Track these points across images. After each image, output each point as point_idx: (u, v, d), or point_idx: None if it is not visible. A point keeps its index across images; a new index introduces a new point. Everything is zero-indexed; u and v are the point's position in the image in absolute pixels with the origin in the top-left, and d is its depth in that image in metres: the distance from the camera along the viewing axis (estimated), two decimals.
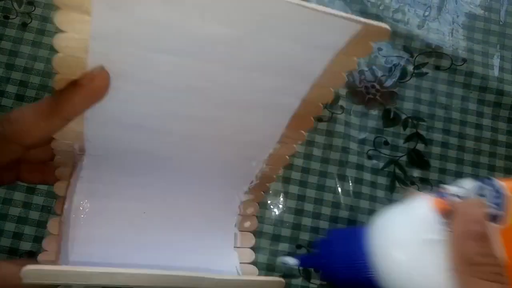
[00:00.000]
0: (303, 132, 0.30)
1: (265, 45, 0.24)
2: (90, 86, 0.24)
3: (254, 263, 0.34)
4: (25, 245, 0.46)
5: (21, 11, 0.53)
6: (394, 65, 0.55)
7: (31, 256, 0.47)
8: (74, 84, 0.24)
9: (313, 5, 0.22)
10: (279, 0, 0.22)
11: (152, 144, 0.30)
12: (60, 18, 0.22)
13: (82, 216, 0.31)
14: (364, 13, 0.56)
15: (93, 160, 0.30)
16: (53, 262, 0.27)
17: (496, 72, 0.56)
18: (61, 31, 0.22)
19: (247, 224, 0.34)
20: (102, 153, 0.30)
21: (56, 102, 0.24)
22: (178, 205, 0.33)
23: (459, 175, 0.53)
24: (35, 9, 0.53)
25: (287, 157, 0.32)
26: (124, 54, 0.24)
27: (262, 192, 0.34)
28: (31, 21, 0.52)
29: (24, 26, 0.52)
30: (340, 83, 0.26)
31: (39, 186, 0.47)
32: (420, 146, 0.53)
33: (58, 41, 0.23)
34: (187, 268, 0.31)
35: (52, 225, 0.29)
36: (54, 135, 0.27)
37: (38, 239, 0.46)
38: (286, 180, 0.51)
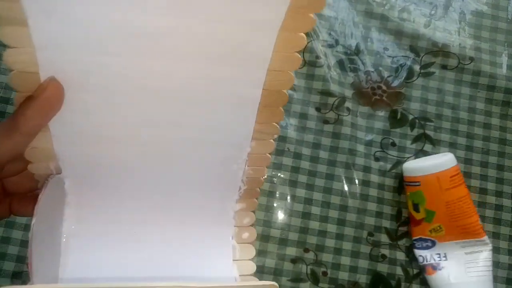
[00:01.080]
0: (275, 125, 0.29)
1: (209, 32, 0.24)
2: (42, 97, 0.24)
3: (255, 274, 0.34)
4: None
5: None
6: (400, 65, 0.55)
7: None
8: (28, 98, 0.24)
9: None
10: None
11: (126, 157, 0.29)
12: (3, 33, 0.22)
13: (72, 241, 0.30)
14: (369, 13, 0.56)
15: (75, 183, 0.30)
16: None
17: (504, 70, 0.55)
18: (8, 46, 0.22)
19: (245, 235, 0.34)
20: (80, 173, 0.30)
21: (13, 118, 0.24)
22: (170, 222, 0.33)
23: (468, 175, 0.52)
24: None
25: (267, 155, 0.31)
26: (71, 62, 0.24)
27: (255, 199, 0.34)
28: None
29: None
30: (296, 64, 0.26)
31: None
32: (428, 147, 0.53)
33: (7, 57, 0.23)
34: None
35: None
36: (27, 157, 0.27)
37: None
38: (293, 184, 0.51)
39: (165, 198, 0.32)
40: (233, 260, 0.33)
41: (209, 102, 0.27)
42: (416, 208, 0.48)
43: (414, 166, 0.49)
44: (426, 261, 0.48)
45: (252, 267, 0.34)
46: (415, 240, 0.49)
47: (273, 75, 0.26)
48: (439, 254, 0.48)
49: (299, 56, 0.26)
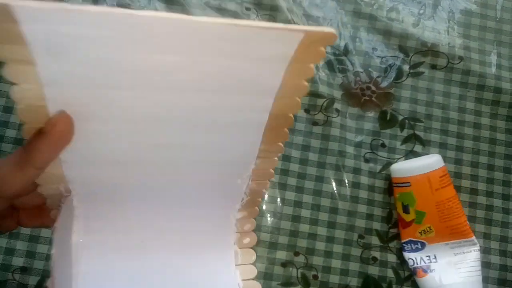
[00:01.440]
0: (280, 144, 0.30)
1: (217, 68, 0.24)
2: (53, 132, 0.24)
3: (256, 278, 0.35)
4: None
5: None
6: (389, 65, 0.54)
7: None
8: (38, 133, 0.24)
9: (250, 22, 0.22)
10: (215, 22, 0.21)
11: (134, 177, 0.30)
12: (8, 72, 0.22)
13: (82, 252, 0.31)
14: (358, 12, 0.55)
15: (83, 201, 0.30)
16: None
17: (493, 70, 0.55)
18: (13, 83, 0.22)
19: (246, 240, 0.35)
20: (89, 192, 0.30)
21: (25, 152, 0.25)
22: (174, 230, 0.33)
23: (458, 176, 0.52)
24: None
25: (271, 170, 0.32)
26: (81, 96, 0.24)
27: (256, 208, 0.35)
28: None
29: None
30: (303, 91, 0.27)
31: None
32: (418, 148, 0.52)
33: (14, 93, 0.23)
34: None
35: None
36: (36, 181, 0.28)
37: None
38: (282, 187, 0.50)
39: (170, 210, 0.33)
40: (236, 265, 0.35)
41: (216, 127, 0.28)
42: (405, 209, 0.48)
43: (404, 167, 0.49)
44: (417, 264, 0.48)
45: (253, 271, 0.35)
46: (405, 243, 0.49)
47: (280, 101, 0.27)
48: (428, 256, 0.47)
49: (307, 84, 0.26)
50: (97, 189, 0.30)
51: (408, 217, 0.48)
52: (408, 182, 0.47)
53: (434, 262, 0.47)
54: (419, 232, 0.47)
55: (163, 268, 0.33)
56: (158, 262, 0.33)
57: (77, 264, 0.31)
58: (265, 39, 0.23)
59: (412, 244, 0.48)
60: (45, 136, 0.24)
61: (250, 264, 0.35)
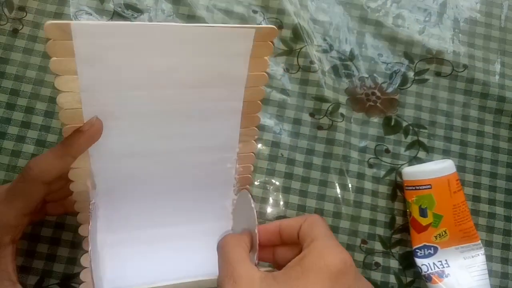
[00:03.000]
0: (255, 128, 0.39)
1: (199, 65, 0.33)
2: (89, 131, 0.33)
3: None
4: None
5: (12, 17, 0.51)
6: (394, 71, 0.54)
7: None
8: (77, 131, 0.33)
9: (216, 25, 0.31)
10: (193, 26, 0.31)
11: (145, 167, 0.38)
12: (58, 82, 0.30)
13: (107, 248, 0.39)
14: (364, 18, 0.55)
15: (105, 199, 0.38)
16: None
17: (497, 78, 0.55)
18: (60, 91, 0.31)
19: None
20: (109, 186, 0.38)
21: (66, 145, 0.34)
22: (180, 224, 0.41)
23: (461, 183, 0.52)
24: (26, 15, 0.51)
25: (252, 154, 0.40)
26: (106, 98, 0.32)
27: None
28: (22, 27, 0.51)
29: (15, 32, 0.50)
30: (264, 80, 0.36)
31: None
32: (422, 154, 0.52)
33: (60, 98, 0.31)
34: (192, 274, 0.39)
35: (84, 260, 0.36)
36: (68, 173, 0.35)
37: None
38: (286, 190, 0.50)
39: (176, 201, 0.41)
40: None
41: (206, 116, 0.36)
42: (423, 213, 0.47)
43: (424, 169, 0.49)
44: (431, 270, 0.47)
45: None
46: (418, 248, 0.48)
47: (249, 90, 0.36)
48: (440, 261, 0.47)
49: (266, 75, 0.36)
50: (115, 182, 0.38)
51: (425, 221, 0.47)
52: (429, 184, 0.47)
53: (447, 267, 0.47)
54: (435, 236, 0.47)
55: (171, 256, 0.41)
56: (166, 251, 0.41)
57: (104, 258, 0.39)
58: (229, 37, 0.32)
59: (426, 249, 0.47)
60: (84, 133, 0.33)
61: None
